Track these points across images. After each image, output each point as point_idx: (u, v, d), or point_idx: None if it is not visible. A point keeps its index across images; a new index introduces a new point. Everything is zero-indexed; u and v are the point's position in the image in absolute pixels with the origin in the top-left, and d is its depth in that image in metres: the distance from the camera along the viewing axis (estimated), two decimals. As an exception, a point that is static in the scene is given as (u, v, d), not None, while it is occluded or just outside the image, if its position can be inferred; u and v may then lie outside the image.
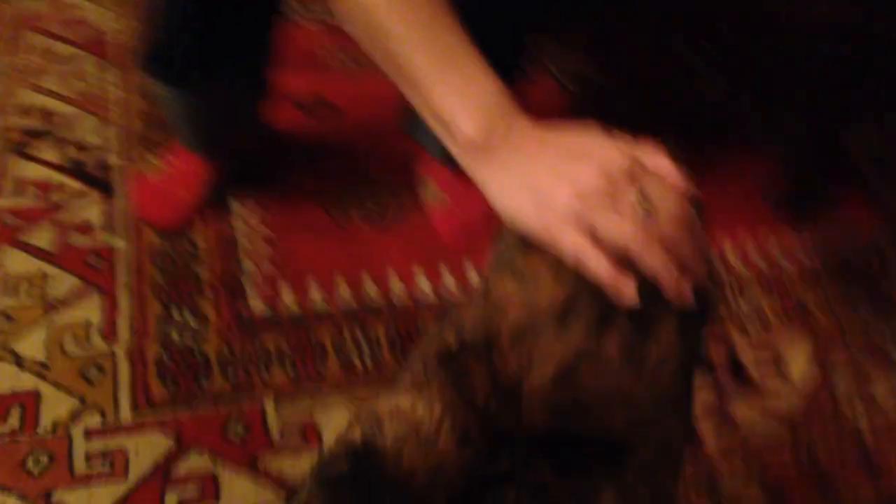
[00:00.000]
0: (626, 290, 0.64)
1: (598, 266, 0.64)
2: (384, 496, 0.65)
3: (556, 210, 0.65)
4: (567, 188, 0.65)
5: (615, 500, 0.65)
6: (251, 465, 1.07)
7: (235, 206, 1.42)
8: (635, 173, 0.66)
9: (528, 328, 0.67)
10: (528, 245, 0.68)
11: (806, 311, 1.40)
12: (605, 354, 0.66)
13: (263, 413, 1.13)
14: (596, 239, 0.64)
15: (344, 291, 1.31)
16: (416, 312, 1.29)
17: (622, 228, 0.64)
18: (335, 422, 1.12)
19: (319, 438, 1.10)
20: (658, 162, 0.68)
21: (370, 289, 1.32)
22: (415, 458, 0.65)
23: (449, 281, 1.36)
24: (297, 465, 1.07)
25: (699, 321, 0.72)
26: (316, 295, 1.29)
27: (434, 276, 1.36)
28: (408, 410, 0.68)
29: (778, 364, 1.00)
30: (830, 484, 1.09)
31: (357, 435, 0.69)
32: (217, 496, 1.03)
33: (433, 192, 1.44)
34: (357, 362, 1.21)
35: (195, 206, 1.38)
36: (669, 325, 0.69)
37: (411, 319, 1.28)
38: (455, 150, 0.70)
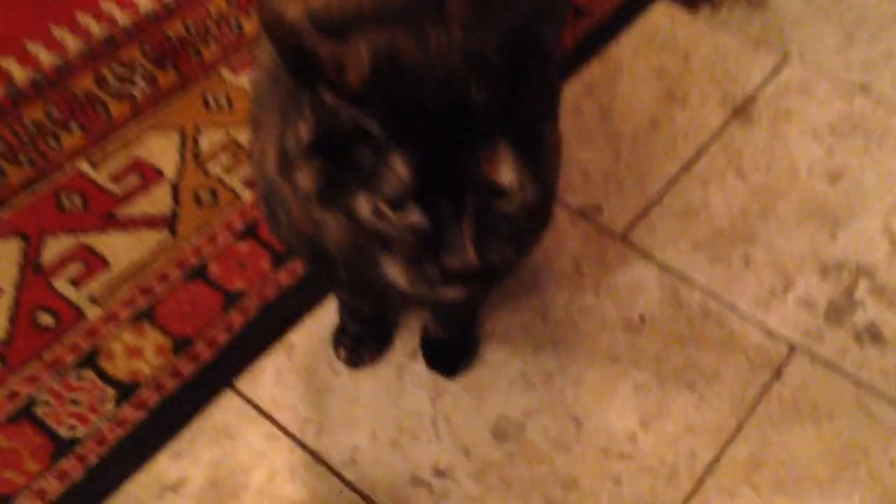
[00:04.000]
0: None
1: None
2: None
3: None
4: None
5: None
6: (111, 219, 1.03)
7: None
8: None
9: None
10: None
11: None
12: None
13: (85, 175, 1.07)
14: None
15: (66, 38, 1.20)
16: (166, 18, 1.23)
17: None
18: (157, 151, 1.09)
19: (158, 171, 1.07)
20: None
21: (90, 23, 1.22)
22: None
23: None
24: (155, 203, 1.05)
25: None
26: (42, 53, 1.18)
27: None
28: None
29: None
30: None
31: None
32: (105, 262, 0.99)
33: None
34: (134, 91, 1.15)
35: None
36: None
37: (159, 28, 1.22)
38: None
